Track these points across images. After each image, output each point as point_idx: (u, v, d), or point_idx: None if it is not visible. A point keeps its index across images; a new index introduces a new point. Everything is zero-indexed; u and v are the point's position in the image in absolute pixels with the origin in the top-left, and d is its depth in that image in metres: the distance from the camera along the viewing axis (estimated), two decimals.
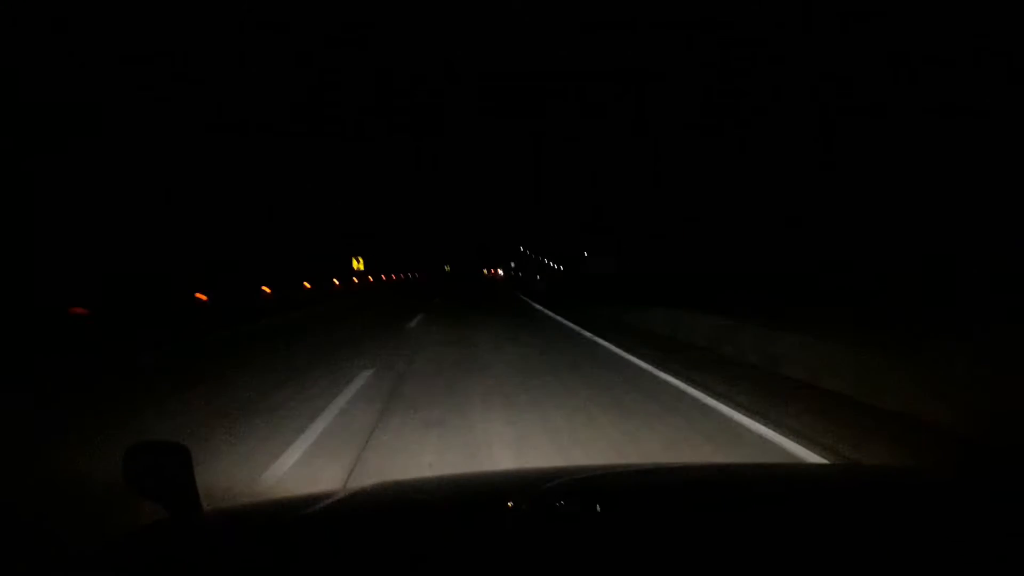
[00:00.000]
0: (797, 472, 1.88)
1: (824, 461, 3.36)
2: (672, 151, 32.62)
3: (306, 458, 3.53)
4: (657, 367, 6.58)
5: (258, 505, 1.39)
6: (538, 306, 17.69)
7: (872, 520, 0.95)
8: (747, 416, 4.39)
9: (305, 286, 25.28)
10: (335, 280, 32.49)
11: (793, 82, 23.20)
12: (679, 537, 0.89)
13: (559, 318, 13.31)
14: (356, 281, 38.64)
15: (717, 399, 4.96)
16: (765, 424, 4.16)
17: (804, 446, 3.63)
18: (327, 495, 1.22)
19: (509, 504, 1.14)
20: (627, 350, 7.91)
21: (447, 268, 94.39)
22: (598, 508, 1.09)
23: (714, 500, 1.12)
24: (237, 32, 31.42)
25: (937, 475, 1.55)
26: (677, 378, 5.93)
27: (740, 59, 25.69)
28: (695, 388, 5.42)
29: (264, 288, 20.10)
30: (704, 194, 30.11)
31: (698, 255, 29.53)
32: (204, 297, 15.78)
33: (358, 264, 45.05)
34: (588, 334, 9.91)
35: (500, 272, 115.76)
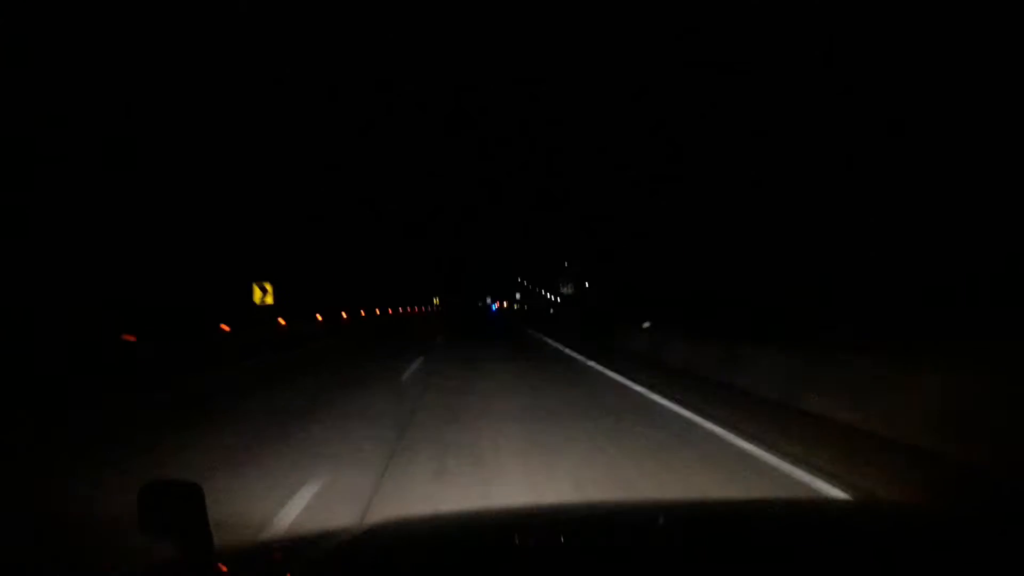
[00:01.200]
0: (815, 509, 1.77)
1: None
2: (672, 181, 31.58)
3: None
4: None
5: (269, 544, 1.55)
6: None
7: (892, 561, 0.94)
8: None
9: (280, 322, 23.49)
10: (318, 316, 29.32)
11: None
12: None
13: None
14: (345, 316, 33.71)
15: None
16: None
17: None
18: (339, 532, 1.22)
19: (517, 544, 1.17)
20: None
21: (436, 301, 78.96)
22: (606, 548, 1.08)
23: (728, 540, 1.10)
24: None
25: (957, 513, 1.62)
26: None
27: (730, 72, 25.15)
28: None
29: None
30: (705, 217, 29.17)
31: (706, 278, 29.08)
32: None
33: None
34: None
35: (503, 304, 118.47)
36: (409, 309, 59.70)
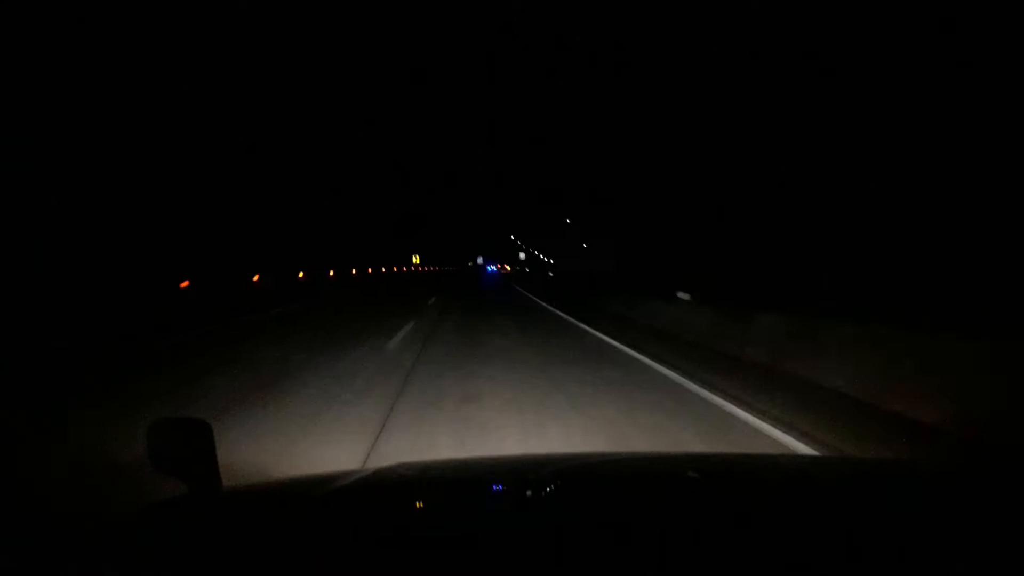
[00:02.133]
0: (791, 464, 1.89)
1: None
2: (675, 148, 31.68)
3: None
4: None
5: (277, 483, 1.48)
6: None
7: (863, 513, 0.96)
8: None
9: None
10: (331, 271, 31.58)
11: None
12: (671, 523, 0.92)
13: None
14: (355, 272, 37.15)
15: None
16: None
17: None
18: (345, 475, 1.25)
19: (511, 487, 1.22)
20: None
21: (416, 260, 64.75)
22: (593, 493, 1.15)
23: (707, 491, 1.15)
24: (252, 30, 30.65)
25: (929, 468, 1.56)
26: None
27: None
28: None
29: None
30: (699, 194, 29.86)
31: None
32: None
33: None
34: None
35: (507, 267, 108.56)
36: (384, 270, 47.89)
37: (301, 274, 24.72)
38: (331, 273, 29.26)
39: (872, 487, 1.15)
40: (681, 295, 10.54)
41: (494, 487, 1.27)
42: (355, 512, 1.03)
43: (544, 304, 15.74)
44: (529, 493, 1.19)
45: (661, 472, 1.35)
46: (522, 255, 74.39)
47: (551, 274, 50.92)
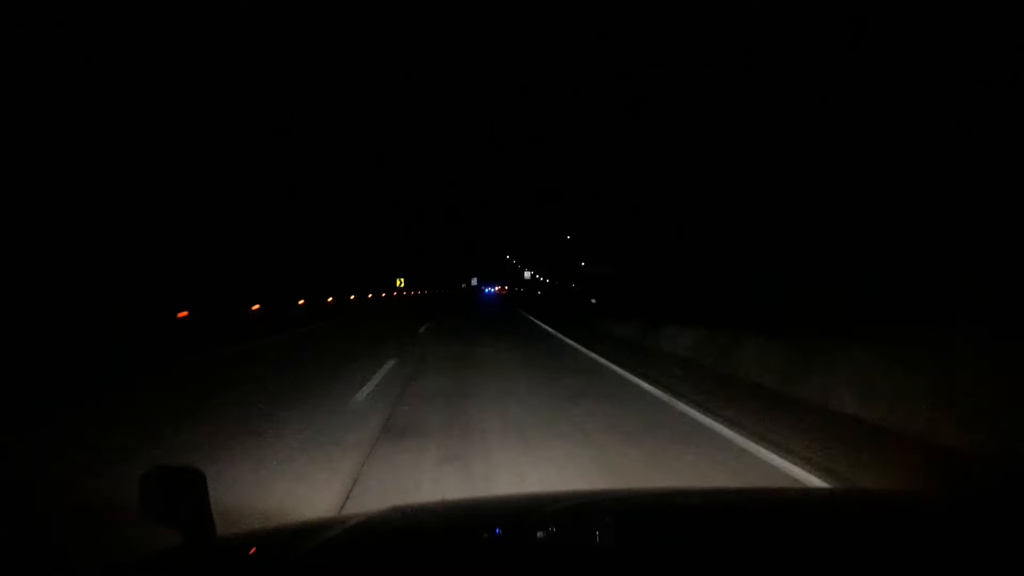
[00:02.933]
0: (804, 498, 1.85)
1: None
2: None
3: None
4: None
5: (272, 531, 1.43)
6: None
7: (879, 548, 0.95)
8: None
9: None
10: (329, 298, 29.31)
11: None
12: (683, 566, 0.89)
13: None
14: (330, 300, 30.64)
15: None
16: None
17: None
18: (341, 520, 1.27)
19: (513, 533, 1.18)
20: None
21: (399, 283, 51.19)
22: (598, 535, 1.14)
23: (717, 528, 1.13)
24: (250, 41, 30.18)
25: (940, 500, 1.54)
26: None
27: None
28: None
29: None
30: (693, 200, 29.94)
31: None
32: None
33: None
34: None
35: (505, 288, 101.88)
36: (371, 295, 38.68)
37: (255, 307, 18.85)
38: (300, 302, 23.23)
39: (886, 521, 1.14)
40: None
41: (495, 531, 1.25)
42: (352, 560, 1.02)
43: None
44: (530, 536, 1.17)
45: (669, 510, 1.33)
46: (528, 274, 63.82)
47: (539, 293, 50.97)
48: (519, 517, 1.27)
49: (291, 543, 1.13)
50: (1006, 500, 1.36)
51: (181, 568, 0.97)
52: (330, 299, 26.78)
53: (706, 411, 5.48)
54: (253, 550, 1.08)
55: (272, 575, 0.94)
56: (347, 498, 3.29)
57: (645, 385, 6.99)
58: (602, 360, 9.25)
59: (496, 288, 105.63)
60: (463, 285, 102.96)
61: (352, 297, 31.73)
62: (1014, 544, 0.95)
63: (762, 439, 4.51)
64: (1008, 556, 0.89)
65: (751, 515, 1.23)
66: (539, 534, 1.16)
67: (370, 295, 38.10)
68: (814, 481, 3.62)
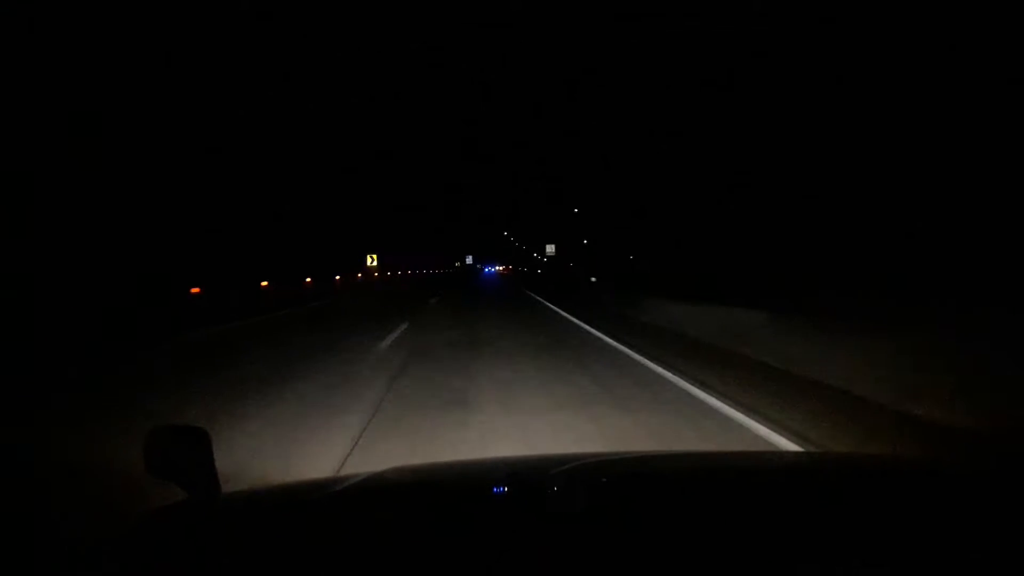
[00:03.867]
0: (786, 461, 1.92)
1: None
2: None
3: None
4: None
5: (275, 488, 1.45)
6: None
7: (854, 509, 0.97)
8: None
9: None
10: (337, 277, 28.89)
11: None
12: (673, 527, 0.92)
13: None
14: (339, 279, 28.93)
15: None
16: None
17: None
18: (344, 479, 1.29)
19: (513, 490, 1.21)
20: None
21: (371, 260, 38.79)
22: (594, 494, 1.16)
23: (702, 490, 1.17)
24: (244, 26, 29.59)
25: (915, 463, 1.58)
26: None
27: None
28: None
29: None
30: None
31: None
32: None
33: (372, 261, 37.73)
34: None
35: (508, 268, 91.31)
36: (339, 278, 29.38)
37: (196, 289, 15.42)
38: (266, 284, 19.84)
39: (863, 484, 1.16)
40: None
41: (494, 489, 1.27)
42: (355, 516, 1.04)
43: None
44: (529, 496, 1.19)
45: (654, 472, 1.37)
46: (551, 248, 50.80)
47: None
48: (514, 479, 1.29)
49: (292, 501, 1.15)
50: (984, 463, 1.37)
51: (184, 523, 0.98)
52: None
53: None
54: (275, 503, 1.11)
55: (272, 531, 0.95)
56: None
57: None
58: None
59: (498, 268, 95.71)
60: (456, 264, 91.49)
61: (337, 278, 27.03)
62: (993, 505, 0.96)
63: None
64: (987, 518, 0.90)
65: (733, 478, 1.27)
66: (532, 497, 1.18)
67: (358, 275, 32.81)
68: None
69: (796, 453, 3.42)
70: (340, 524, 0.98)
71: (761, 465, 1.54)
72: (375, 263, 39.08)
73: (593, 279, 28.18)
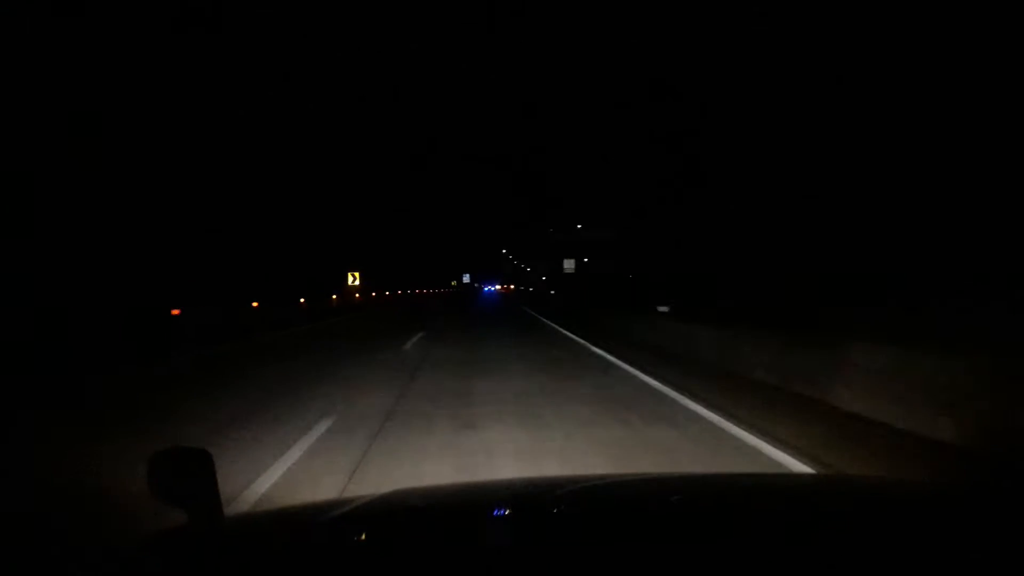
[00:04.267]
0: (793, 483, 1.89)
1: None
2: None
3: None
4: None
5: (277, 512, 1.57)
6: None
7: (865, 532, 0.96)
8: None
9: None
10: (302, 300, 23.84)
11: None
12: (677, 549, 0.91)
13: None
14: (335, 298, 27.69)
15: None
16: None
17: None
18: (345, 502, 1.29)
19: (515, 513, 1.20)
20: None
21: (354, 279, 32.12)
22: (596, 516, 1.15)
23: (708, 512, 1.15)
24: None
25: (928, 486, 1.63)
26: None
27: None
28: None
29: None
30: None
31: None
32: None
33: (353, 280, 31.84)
34: None
35: (510, 287, 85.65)
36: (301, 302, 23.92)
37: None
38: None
39: (874, 508, 1.14)
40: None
41: (496, 512, 1.26)
42: (358, 540, 1.03)
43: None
44: (533, 519, 1.18)
45: (664, 494, 1.35)
46: (569, 264, 44.96)
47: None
48: (519, 503, 1.28)
49: (294, 524, 1.15)
50: (993, 487, 1.35)
51: (185, 548, 0.97)
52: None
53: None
54: (278, 527, 1.10)
55: (276, 556, 0.94)
56: None
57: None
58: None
59: (497, 287, 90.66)
60: (453, 283, 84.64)
61: (302, 301, 22.52)
62: (1002, 532, 0.95)
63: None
64: (995, 543, 0.89)
65: (746, 502, 1.25)
66: (536, 522, 1.17)
67: (333, 297, 27.86)
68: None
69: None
70: (343, 549, 0.98)
71: (773, 487, 1.53)
72: (357, 282, 31.99)
73: (664, 308, 18.67)
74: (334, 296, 29.21)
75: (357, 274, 32.17)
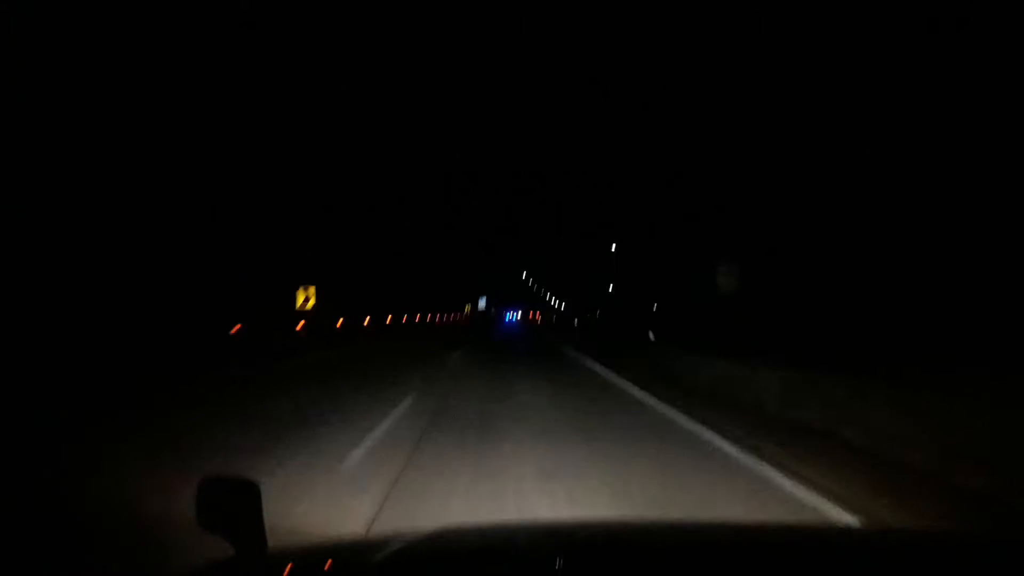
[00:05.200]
0: (830, 535, 1.81)
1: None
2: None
3: None
4: None
5: (321, 545, 1.47)
6: None
7: None
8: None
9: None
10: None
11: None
12: None
13: None
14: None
15: None
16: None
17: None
18: (388, 541, 1.25)
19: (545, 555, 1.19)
20: None
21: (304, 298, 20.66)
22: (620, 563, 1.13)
23: (741, 564, 1.14)
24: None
25: (974, 539, 1.54)
26: None
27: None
28: None
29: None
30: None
31: None
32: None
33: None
34: None
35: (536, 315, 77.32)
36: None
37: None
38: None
39: (916, 565, 1.10)
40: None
41: (551, 556, 1.25)
42: None
43: None
44: (574, 562, 1.17)
45: (699, 542, 1.34)
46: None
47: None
48: (560, 545, 1.27)
49: (347, 560, 1.14)
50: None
51: None
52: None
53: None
54: (324, 563, 1.09)
55: None
56: None
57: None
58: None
59: (519, 313, 77.86)
60: (467, 307, 72.09)
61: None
62: None
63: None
64: None
65: (779, 554, 1.23)
66: (574, 564, 1.16)
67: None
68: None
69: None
70: None
71: (805, 540, 1.49)
72: (311, 302, 21.08)
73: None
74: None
75: (312, 290, 21.24)
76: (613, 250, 37.46)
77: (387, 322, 31.66)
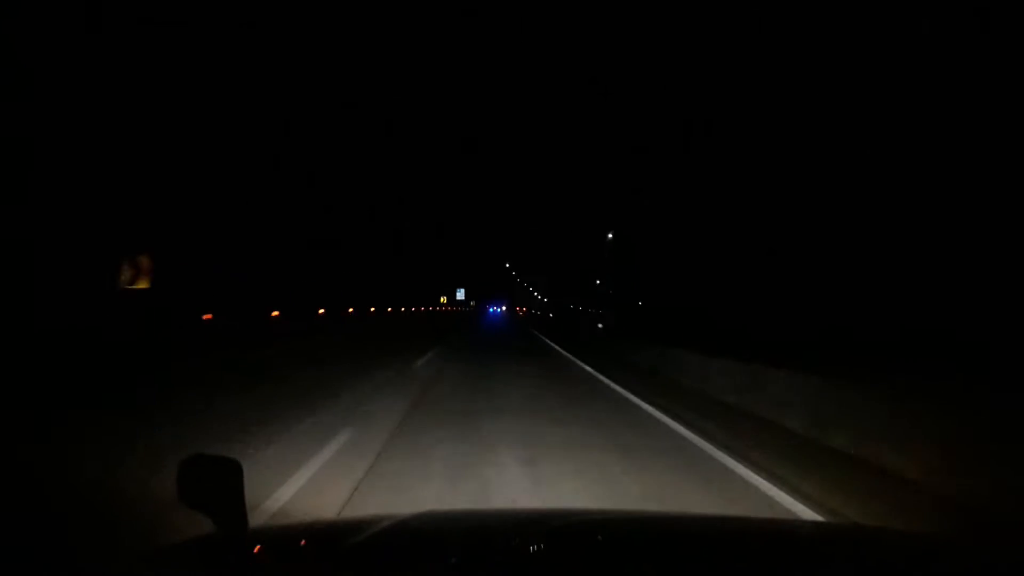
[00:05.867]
0: (797, 530, 1.88)
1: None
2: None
3: None
4: None
5: (302, 526, 1.51)
6: None
7: None
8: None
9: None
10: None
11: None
12: None
13: None
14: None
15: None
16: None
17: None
18: (370, 522, 1.23)
19: (521, 541, 1.23)
20: None
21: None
22: (594, 551, 1.16)
23: (710, 556, 1.15)
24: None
25: (940, 540, 1.61)
26: None
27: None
28: None
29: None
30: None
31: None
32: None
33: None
34: None
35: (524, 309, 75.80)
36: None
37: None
38: None
39: (876, 558, 1.13)
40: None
41: (516, 543, 1.26)
42: (381, 563, 1.03)
43: None
44: (548, 550, 1.18)
45: (670, 535, 1.35)
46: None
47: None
48: (533, 532, 1.28)
49: (317, 541, 1.15)
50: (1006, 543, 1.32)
51: (210, 558, 0.97)
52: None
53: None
54: (302, 542, 1.10)
55: (295, 568, 0.95)
56: None
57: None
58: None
59: (503, 307, 73.90)
60: (443, 300, 67.03)
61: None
62: None
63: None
64: None
65: (749, 546, 1.25)
66: (552, 552, 1.17)
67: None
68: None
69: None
70: (364, 570, 0.98)
71: (780, 533, 1.51)
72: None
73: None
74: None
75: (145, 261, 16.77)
76: (606, 241, 37.81)
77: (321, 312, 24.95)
